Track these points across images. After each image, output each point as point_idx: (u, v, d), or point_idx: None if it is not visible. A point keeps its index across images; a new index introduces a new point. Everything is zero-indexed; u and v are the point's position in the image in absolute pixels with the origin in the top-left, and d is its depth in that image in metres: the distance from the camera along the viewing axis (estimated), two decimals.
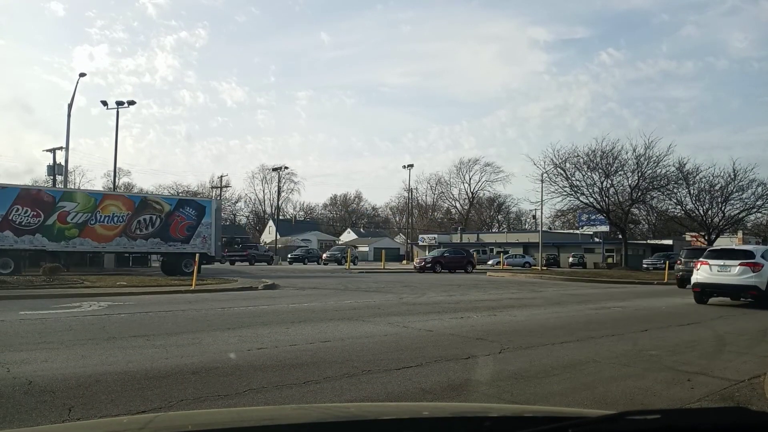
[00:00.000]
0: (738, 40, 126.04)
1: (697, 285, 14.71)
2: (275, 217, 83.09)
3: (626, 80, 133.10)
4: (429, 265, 34.76)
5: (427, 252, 73.79)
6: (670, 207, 48.59)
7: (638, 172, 41.90)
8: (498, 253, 59.46)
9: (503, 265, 49.45)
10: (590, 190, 42.67)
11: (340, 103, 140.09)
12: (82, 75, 31.33)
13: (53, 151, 38.81)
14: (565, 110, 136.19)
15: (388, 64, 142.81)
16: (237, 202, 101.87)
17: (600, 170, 42.02)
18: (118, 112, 33.36)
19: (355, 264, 44.66)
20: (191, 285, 16.86)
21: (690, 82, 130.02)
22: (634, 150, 41.49)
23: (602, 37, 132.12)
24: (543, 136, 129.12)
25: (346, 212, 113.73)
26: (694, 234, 58.43)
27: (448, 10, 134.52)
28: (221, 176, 73.46)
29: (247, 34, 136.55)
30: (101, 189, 53.96)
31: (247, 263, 45.71)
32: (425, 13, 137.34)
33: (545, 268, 43.73)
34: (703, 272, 14.53)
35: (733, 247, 19.32)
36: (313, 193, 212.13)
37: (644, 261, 52.36)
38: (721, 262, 14.31)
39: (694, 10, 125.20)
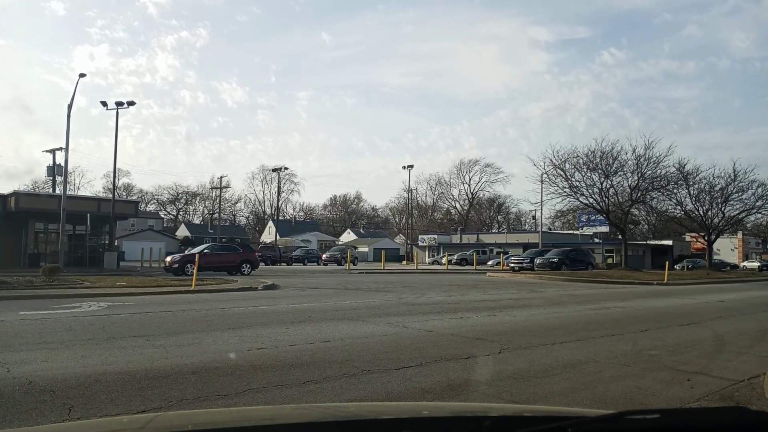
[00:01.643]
0: (740, 40, 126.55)
1: None
2: (275, 217, 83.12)
3: (628, 80, 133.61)
4: (177, 265, 26.02)
5: (427, 253, 73.90)
6: (669, 207, 48.69)
7: (638, 173, 41.90)
8: (498, 253, 59.44)
9: (503, 265, 49.45)
10: (590, 191, 42.67)
11: (340, 103, 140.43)
12: (82, 75, 31.23)
13: (53, 151, 38.90)
14: (566, 110, 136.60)
15: (388, 64, 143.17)
16: (237, 203, 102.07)
17: (600, 171, 42.00)
18: (117, 112, 33.34)
19: (354, 264, 44.69)
20: (191, 285, 16.87)
21: (692, 82, 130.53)
22: (634, 150, 41.52)
23: (604, 37, 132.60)
24: (544, 136, 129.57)
25: (346, 213, 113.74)
26: (693, 234, 58.55)
27: (449, 10, 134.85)
28: (221, 177, 73.31)
29: (248, 33, 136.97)
30: None
31: (263, 264, 46.79)
32: (426, 13, 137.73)
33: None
34: None
35: None
36: (312, 193, 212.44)
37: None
38: None
39: (696, 9, 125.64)
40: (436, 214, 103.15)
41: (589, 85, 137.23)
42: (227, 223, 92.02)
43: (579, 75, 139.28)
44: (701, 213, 47.03)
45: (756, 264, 68.49)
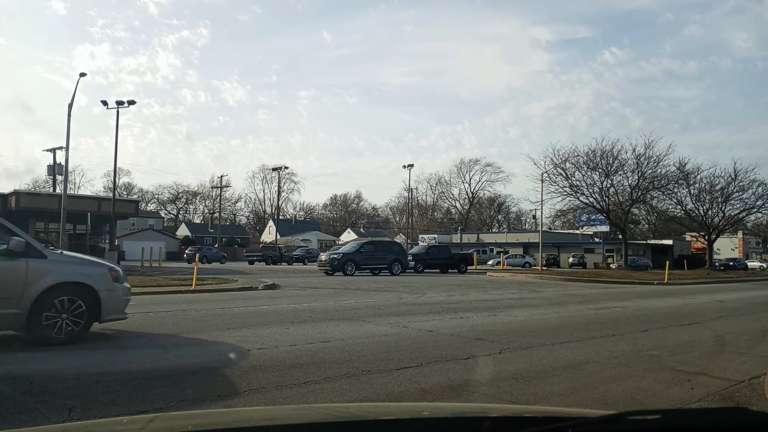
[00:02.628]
0: (742, 40, 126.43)
1: None
2: (275, 217, 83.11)
3: (629, 79, 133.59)
4: None
5: None
6: (670, 207, 48.70)
7: (638, 172, 41.94)
8: (498, 253, 59.52)
9: (503, 265, 49.49)
10: (590, 190, 42.73)
11: (341, 103, 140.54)
12: (82, 75, 31.20)
13: (53, 150, 38.92)
14: (568, 110, 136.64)
15: (390, 64, 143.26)
16: (237, 202, 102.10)
17: (600, 170, 42.04)
18: (118, 111, 33.33)
19: None
20: (191, 285, 16.87)
21: (693, 82, 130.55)
22: (634, 150, 41.59)
23: (605, 36, 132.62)
24: (545, 136, 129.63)
25: (346, 212, 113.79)
26: (694, 234, 58.56)
27: (450, 9, 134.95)
28: (221, 176, 73.30)
29: (250, 32, 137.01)
30: None
31: (263, 263, 48.38)
32: (427, 12, 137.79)
33: (545, 268, 43.72)
34: None
35: None
36: (313, 193, 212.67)
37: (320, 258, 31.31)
38: None
39: (699, 9, 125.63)
40: (436, 213, 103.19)
41: (590, 84, 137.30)
42: (227, 223, 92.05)
43: (580, 74, 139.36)
44: (701, 212, 47.07)
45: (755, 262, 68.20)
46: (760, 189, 44.76)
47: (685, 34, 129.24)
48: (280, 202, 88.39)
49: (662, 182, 42.65)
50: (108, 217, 35.20)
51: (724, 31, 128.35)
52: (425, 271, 32.91)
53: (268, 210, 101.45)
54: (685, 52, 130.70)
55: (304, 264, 51.13)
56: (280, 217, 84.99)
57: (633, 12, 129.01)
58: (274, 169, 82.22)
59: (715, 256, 57.36)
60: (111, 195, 40.29)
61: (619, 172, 42.51)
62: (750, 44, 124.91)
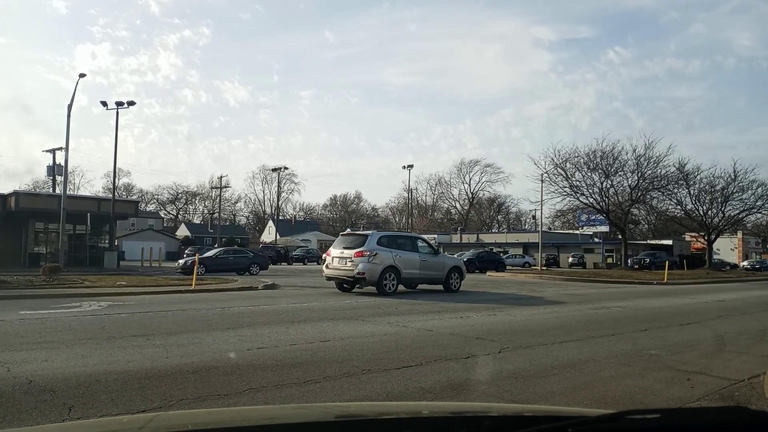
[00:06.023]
0: (746, 39, 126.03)
1: None
2: (275, 217, 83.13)
3: (632, 79, 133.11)
4: None
5: None
6: (670, 207, 48.73)
7: (638, 173, 41.96)
8: (498, 253, 59.51)
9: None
10: (590, 191, 42.74)
11: (343, 103, 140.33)
12: (82, 75, 31.10)
13: (53, 151, 38.91)
14: (570, 109, 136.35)
15: (391, 64, 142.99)
16: (237, 203, 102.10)
17: (600, 170, 42.05)
18: (117, 112, 33.33)
19: None
20: (191, 285, 16.87)
21: (697, 81, 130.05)
22: (634, 150, 41.60)
23: (609, 35, 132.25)
24: (547, 136, 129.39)
25: (346, 212, 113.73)
26: (693, 234, 58.59)
27: (452, 8, 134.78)
28: (221, 176, 73.20)
29: (251, 32, 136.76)
30: None
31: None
32: (430, 12, 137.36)
33: (545, 268, 43.73)
34: None
35: None
36: (313, 193, 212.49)
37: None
38: None
39: (703, 7, 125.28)
40: (436, 213, 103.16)
41: (593, 84, 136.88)
42: (227, 223, 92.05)
43: (583, 74, 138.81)
44: (701, 213, 47.08)
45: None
46: (759, 189, 44.79)
47: (690, 33, 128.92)
48: (280, 203, 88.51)
49: (662, 183, 42.68)
50: (108, 218, 35.22)
51: (729, 30, 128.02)
52: None
53: (268, 210, 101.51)
54: (690, 50, 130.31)
55: (304, 264, 51.15)
56: (280, 218, 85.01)
57: (637, 10, 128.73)
58: (273, 170, 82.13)
59: (715, 257, 57.37)
60: (111, 195, 40.29)
61: (619, 173, 42.56)
62: (754, 43, 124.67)
